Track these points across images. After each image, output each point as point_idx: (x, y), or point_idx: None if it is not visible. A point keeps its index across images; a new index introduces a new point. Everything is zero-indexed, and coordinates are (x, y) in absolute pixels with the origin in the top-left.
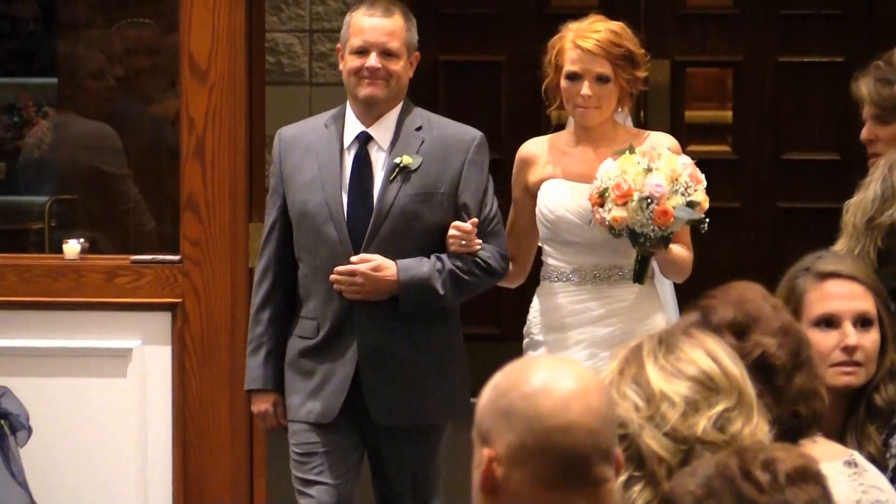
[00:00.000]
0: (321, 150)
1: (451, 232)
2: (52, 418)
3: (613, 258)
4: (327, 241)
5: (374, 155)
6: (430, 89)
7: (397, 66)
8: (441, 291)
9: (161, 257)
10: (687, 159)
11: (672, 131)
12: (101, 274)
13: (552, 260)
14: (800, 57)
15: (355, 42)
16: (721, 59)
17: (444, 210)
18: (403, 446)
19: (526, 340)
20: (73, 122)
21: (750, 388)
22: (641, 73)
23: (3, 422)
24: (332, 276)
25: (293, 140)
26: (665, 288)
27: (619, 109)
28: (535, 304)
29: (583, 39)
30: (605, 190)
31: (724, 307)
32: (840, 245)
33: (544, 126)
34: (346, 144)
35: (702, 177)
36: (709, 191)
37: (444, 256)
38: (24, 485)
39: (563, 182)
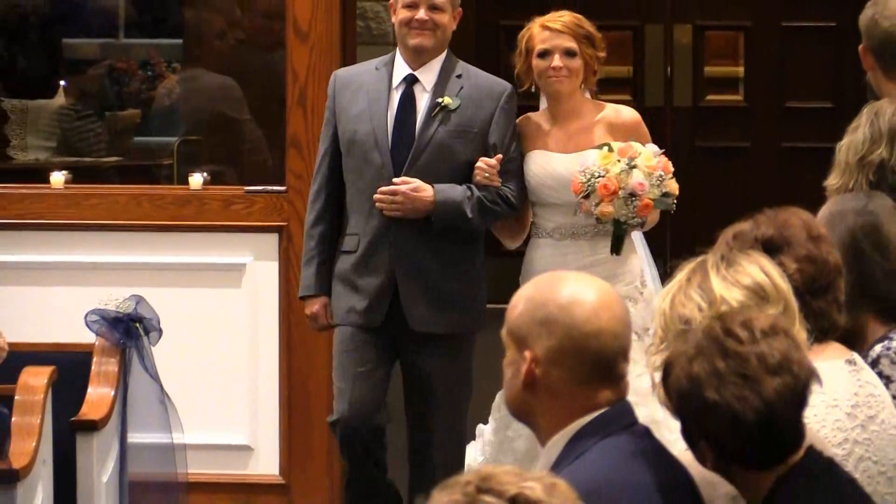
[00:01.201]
0: (371, 88)
1: (479, 164)
2: (178, 322)
3: (588, 218)
4: (372, 165)
5: (418, 94)
6: (492, 51)
7: (443, 18)
8: (469, 215)
9: (269, 188)
10: (655, 148)
11: (694, 84)
12: (219, 202)
13: (538, 219)
14: (799, 22)
15: None
16: (734, 23)
17: (475, 147)
18: (437, 357)
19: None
20: (200, 75)
21: (794, 301)
22: (601, 54)
23: (137, 324)
24: (376, 196)
25: (347, 80)
26: (636, 234)
27: (584, 87)
28: (527, 258)
29: (551, 22)
30: (592, 187)
31: (767, 225)
32: (833, 179)
33: None
34: (394, 85)
35: (671, 166)
36: (724, 134)
37: (473, 186)
38: (155, 377)
39: (544, 153)
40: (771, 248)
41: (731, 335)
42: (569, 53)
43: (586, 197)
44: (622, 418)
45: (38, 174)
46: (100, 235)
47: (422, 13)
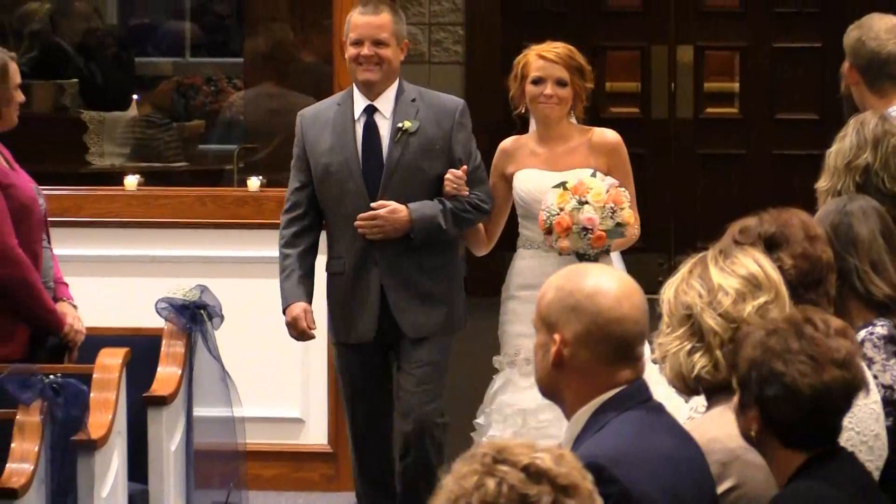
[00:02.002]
0: (336, 122)
1: (447, 177)
2: (238, 309)
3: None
4: (349, 192)
5: (379, 122)
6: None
7: (387, 52)
8: (444, 226)
9: None
10: (612, 181)
11: (695, 98)
12: (274, 202)
13: (526, 231)
14: (788, 43)
15: (352, 35)
16: (731, 44)
17: (440, 163)
18: (420, 351)
19: (503, 295)
20: (259, 90)
21: (784, 290)
22: (589, 84)
23: (202, 311)
24: (357, 222)
25: (313, 118)
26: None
27: (571, 114)
28: (512, 267)
29: (546, 52)
30: (550, 224)
31: (770, 222)
32: (823, 182)
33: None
34: (356, 116)
35: (624, 196)
36: (722, 142)
37: (444, 199)
38: (217, 358)
39: (534, 171)
40: (771, 243)
41: (810, 323)
42: (560, 83)
43: (549, 233)
44: (639, 395)
45: (114, 178)
46: (168, 232)
47: (366, 49)
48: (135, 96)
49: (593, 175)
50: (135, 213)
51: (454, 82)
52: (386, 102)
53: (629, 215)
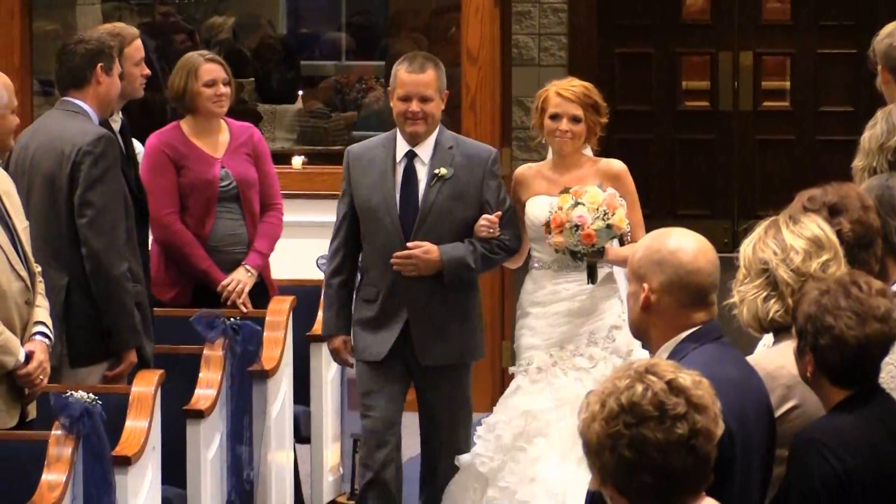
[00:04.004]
0: (379, 162)
1: (481, 222)
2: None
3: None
4: (385, 228)
5: (418, 167)
6: (609, 74)
7: (432, 107)
8: (473, 266)
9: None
10: (612, 191)
11: (753, 96)
12: None
13: (536, 253)
14: (830, 49)
15: (400, 92)
16: (783, 50)
17: (471, 207)
18: (441, 381)
19: (518, 312)
20: None
21: (841, 250)
22: (603, 119)
23: None
24: (393, 259)
25: (359, 156)
26: (618, 270)
27: (586, 145)
28: (525, 285)
29: (563, 90)
30: (549, 221)
31: (832, 193)
32: (858, 161)
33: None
34: (398, 159)
35: (619, 203)
36: (776, 130)
37: (474, 241)
38: None
39: (545, 198)
40: (834, 210)
41: (855, 284)
42: (575, 119)
43: (548, 231)
44: (712, 333)
45: (284, 158)
46: (327, 202)
47: (414, 106)
48: (300, 92)
49: (599, 187)
50: (300, 187)
51: None
52: (426, 149)
53: (620, 220)
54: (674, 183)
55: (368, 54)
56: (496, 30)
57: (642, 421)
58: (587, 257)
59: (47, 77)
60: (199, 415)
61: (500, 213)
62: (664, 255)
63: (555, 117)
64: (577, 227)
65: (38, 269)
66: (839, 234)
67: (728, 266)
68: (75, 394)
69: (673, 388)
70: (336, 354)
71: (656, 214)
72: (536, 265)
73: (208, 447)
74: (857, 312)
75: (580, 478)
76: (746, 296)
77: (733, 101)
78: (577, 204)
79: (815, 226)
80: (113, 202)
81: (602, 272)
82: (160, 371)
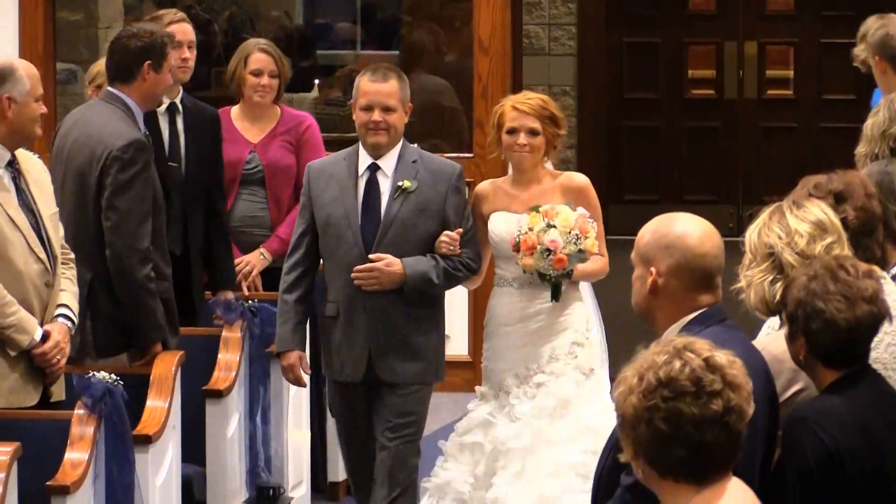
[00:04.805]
0: (341, 177)
1: (442, 238)
2: None
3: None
4: (346, 242)
5: (381, 180)
6: (618, 63)
7: (395, 117)
8: (436, 282)
9: (463, 154)
10: (583, 211)
11: (758, 84)
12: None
13: (499, 270)
14: (832, 39)
15: (362, 101)
16: (787, 40)
17: (434, 222)
18: (397, 398)
19: (485, 332)
20: (417, 76)
21: (844, 234)
22: (561, 132)
23: None
24: (354, 273)
25: (319, 171)
26: (584, 286)
27: (546, 159)
28: (490, 306)
29: (520, 104)
30: (518, 242)
31: (837, 181)
32: (861, 148)
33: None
34: (359, 173)
35: (590, 226)
36: (780, 117)
37: (437, 256)
38: None
39: (506, 213)
40: (839, 197)
41: (842, 268)
42: (532, 133)
43: (516, 250)
44: (717, 315)
45: None
46: None
47: (376, 115)
48: (316, 81)
49: (568, 205)
50: None
51: (568, 70)
52: (389, 162)
53: (592, 245)
54: (680, 169)
55: (383, 44)
56: (507, 20)
57: (679, 395)
58: (555, 279)
59: (70, 66)
60: (219, 395)
61: (461, 230)
62: (671, 240)
63: (512, 132)
64: (548, 251)
65: (71, 255)
66: (844, 221)
67: (733, 250)
68: (97, 374)
69: (710, 365)
70: (290, 370)
71: (663, 199)
72: (499, 283)
73: (227, 426)
74: (845, 295)
75: (533, 500)
76: (753, 280)
77: (738, 89)
78: (549, 227)
79: (819, 210)
80: (139, 206)
81: (565, 282)
82: (180, 352)
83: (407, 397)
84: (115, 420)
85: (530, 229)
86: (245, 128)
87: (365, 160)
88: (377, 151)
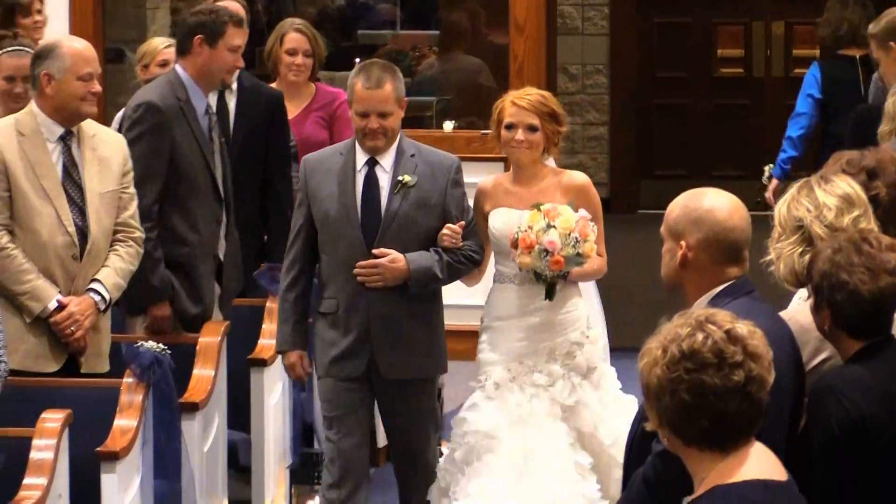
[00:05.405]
0: (339, 171)
1: (444, 231)
2: None
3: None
4: (345, 238)
5: (380, 175)
6: (647, 43)
7: (391, 121)
8: (440, 276)
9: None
10: (584, 213)
11: (785, 61)
12: (463, 140)
13: (499, 266)
14: None
15: (358, 108)
16: (813, 20)
17: (434, 216)
18: (406, 395)
19: (480, 325)
20: (455, 56)
21: (870, 207)
22: (562, 128)
23: None
24: (356, 269)
25: (315, 164)
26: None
27: (546, 155)
28: (488, 300)
29: (518, 99)
30: (517, 240)
31: (870, 158)
32: (884, 126)
33: None
34: (358, 168)
35: (590, 230)
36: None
37: (439, 250)
38: None
39: (506, 210)
40: (872, 173)
41: (866, 241)
42: (531, 129)
43: (514, 247)
44: (745, 287)
45: None
46: None
47: (373, 122)
48: (357, 59)
49: (570, 205)
50: None
51: (601, 49)
52: (387, 157)
53: (591, 248)
54: (709, 145)
55: (422, 24)
56: (542, 1)
57: (702, 367)
58: (550, 279)
59: (118, 44)
60: (263, 363)
61: (463, 223)
62: (701, 214)
63: (510, 127)
64: (546, 251)
65: (136, 234)
66: (876, 197)
67: (760, 224)
68: (145, 344)
69: (731, 337)
70: (292, 370)
71: (692, 175)
72: (499, 279)
73: (271, 394)
74: (869, 268)
75: (526, 495)
76: (783, 252)
77: (766, 68)
78: (549, 227)
79: (846, 184)
80: (140, 167)
81: (564, 284)
82: (226, 322)
83: (414, 395)
84: (163, 388)
85: (530, 227)
86: None
87: (363, 155)
88: (375, 153)
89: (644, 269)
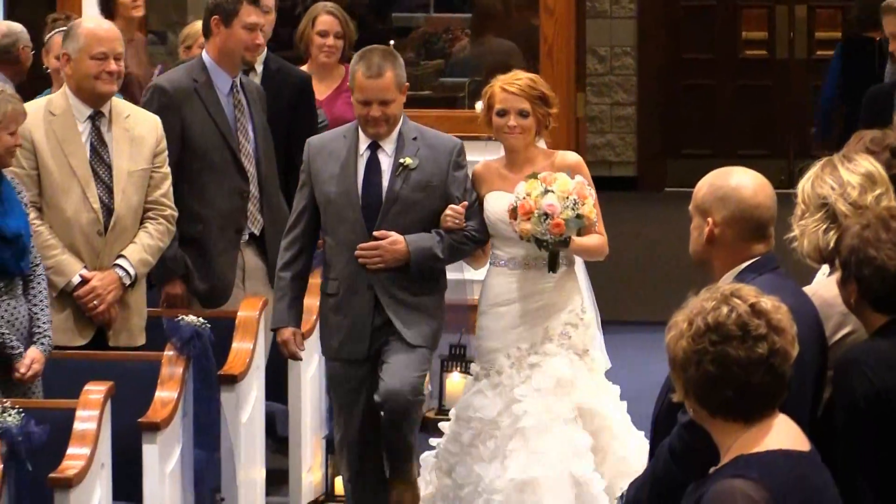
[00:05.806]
0: (341, 154)
1: (447, 212)
2: None
3: (538, 250)
4: (347, 220)
5: (381, 157)
6: (674, 28)
7: (393, 108)
8: (441, 256)
9: None
10: (581, 179)
11: (808, 43)
12: None
13: (496, 250)
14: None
15: (359, 96)
16: (835, 3)
17: (435, 198)
18: (405, 359)
19: (479, 310)
20: (487, 39)
21: (891, 185)
22: (553, 111)
23: None
24: (357, 252)
25: (319, 147)
26: (579, 266)
27: (538, 138)
28: (485, 284)
29: (508, 85)
30: (515, 208)
31: (893, 137)
32: None
33: None
34: (360, 151)
35: (589, 192)
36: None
37: (441, 231)
38: None
39: (501, 193)
40: (894, 151)
41: (894, 219)
42: (522, 114)
43: (514, 217)
44: (770, 263)
45: None
46: None
47: (374, 110)
48: (391, 42)
49: (567, 174)
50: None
51: (629, 32)
52: (389, 140)
53: (590, 211)
54: (734, 125)
55: (455, 7)
56: None
57: (726, 339)
58: (552, 246)
59: (159, 29)
60: (302, 336)
61: (465, 203)
62: (727, 192)
63: (501, 113)
64: (546, 215)
65: (168, 212)
66: None
67: (784, 202)
68: (186, 318)
69: (755, 310)
70: (285, 346)
71: (718, 154)
72: (493, 262)
73: (308, 366)
74: None
75: (523, 480)
76: (807, 229)
77: (789, 50)
78: (546, 191)
79: (868, 163)
80: None
81: (562, 269)
82: (264, 297)
83: (416, 353)
84: (203, 361)
85: (528, 194)
86: (313, 85)
87: (365, 138)
88: (378, 139)
89: (671, 246)
